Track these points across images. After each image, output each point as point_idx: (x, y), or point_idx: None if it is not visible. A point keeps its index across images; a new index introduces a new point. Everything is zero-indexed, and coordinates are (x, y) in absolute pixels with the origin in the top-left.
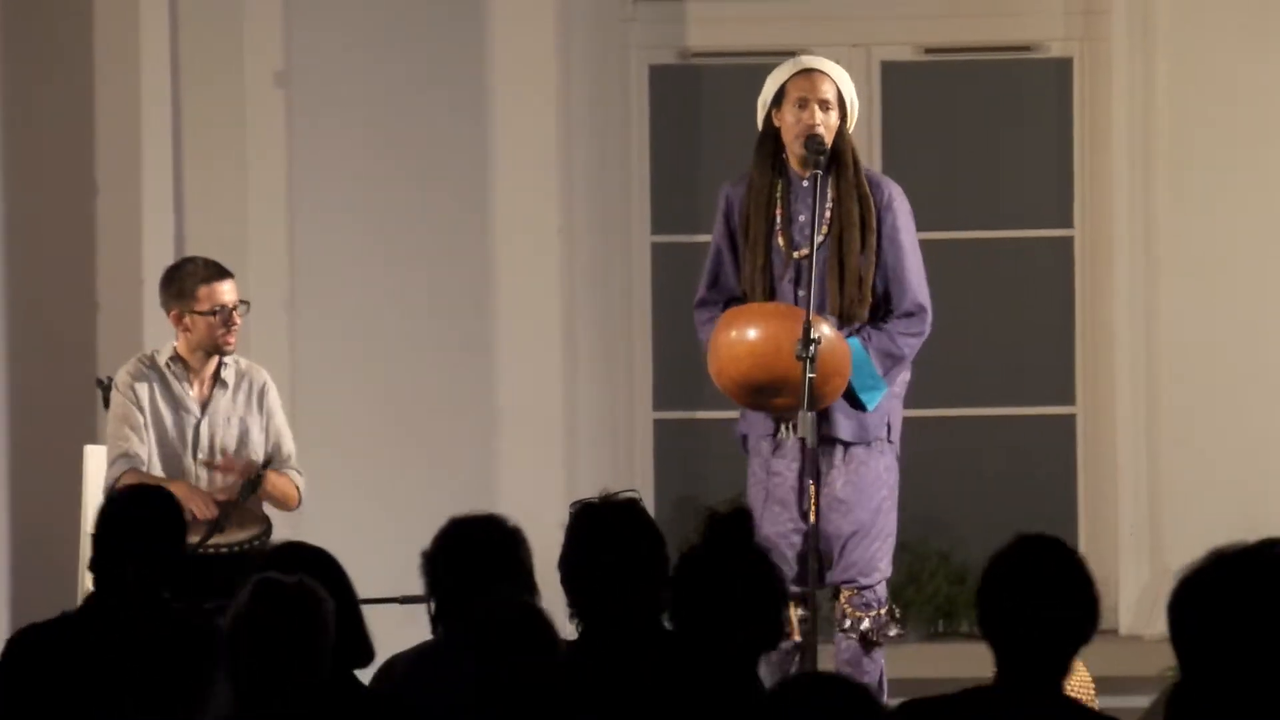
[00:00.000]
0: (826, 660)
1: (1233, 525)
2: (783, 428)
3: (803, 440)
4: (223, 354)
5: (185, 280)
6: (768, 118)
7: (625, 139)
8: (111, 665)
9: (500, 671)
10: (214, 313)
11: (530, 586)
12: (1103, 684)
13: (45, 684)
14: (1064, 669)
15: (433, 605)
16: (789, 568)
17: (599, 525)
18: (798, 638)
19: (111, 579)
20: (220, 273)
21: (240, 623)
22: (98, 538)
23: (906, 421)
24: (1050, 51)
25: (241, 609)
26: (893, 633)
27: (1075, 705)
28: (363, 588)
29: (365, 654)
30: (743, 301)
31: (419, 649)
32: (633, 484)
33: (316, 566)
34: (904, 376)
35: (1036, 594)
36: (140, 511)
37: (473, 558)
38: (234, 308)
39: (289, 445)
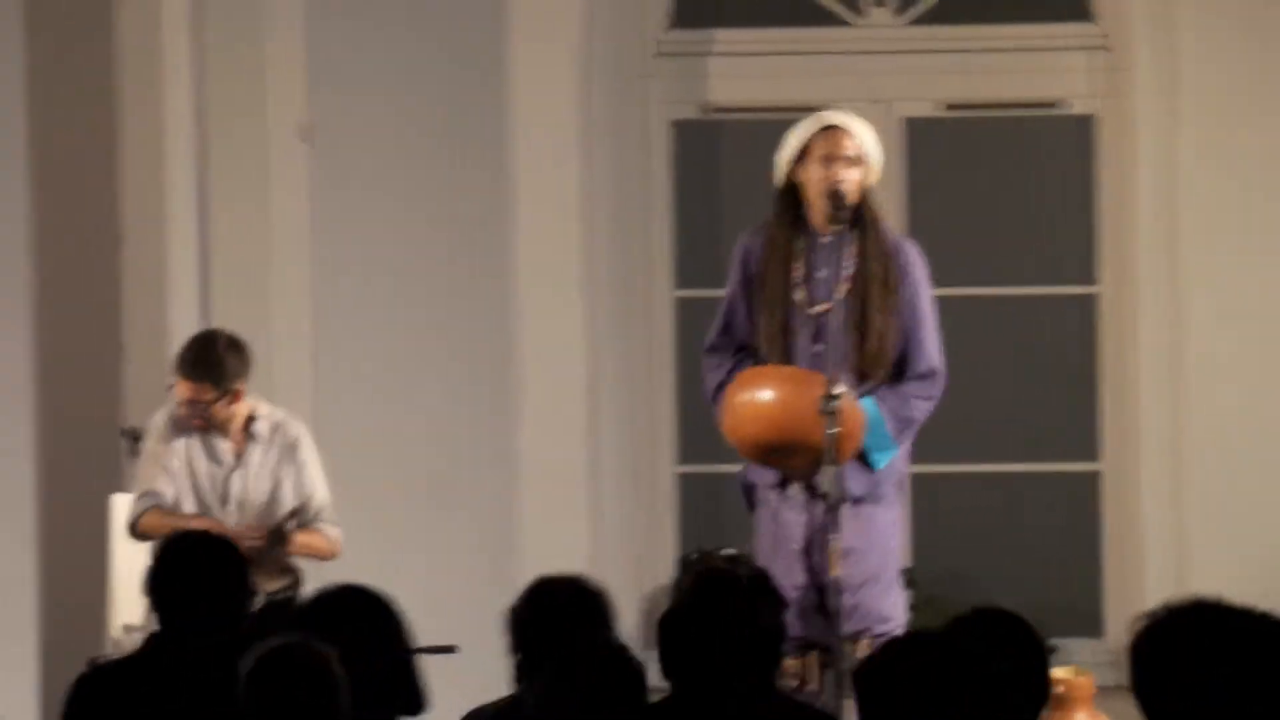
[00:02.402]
0: (849, 713)
1: (1259, 581)
2: (790, 484)
3: (824, 496)
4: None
5: (175, 360)
6: (789, 172)
7: (647, 193)
8: (178, 708)
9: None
10: (181, 403)
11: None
12: None
13: None
14: None
15: (518, 661)
16: (802, 620)
17: (725, 589)
18: (813, 685)
19: (176, 621)
20: (192, 372)
21: (249, 691)
22: (157, 579)
23: (933, 476)
24: (1073, 108)
25: (248, 679)
26: None
27: None
28: None
29: (416, 704)
30: (753, 351)
31: (500, 704)
32: (655, 538)
33: (370, 611)
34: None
35: (991, 667)
36: (205, 553)
37: (562, 616)
38: (199, 406)
39: (321, 498)
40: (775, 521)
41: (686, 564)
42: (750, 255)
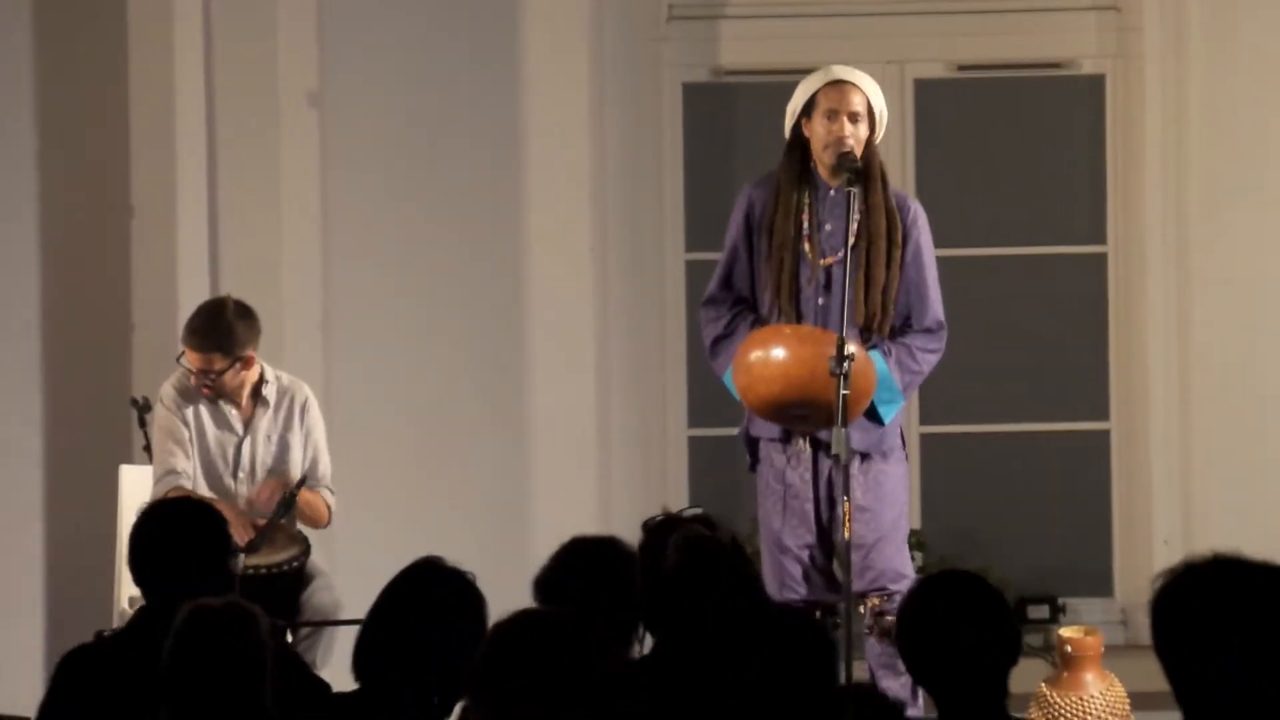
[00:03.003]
0: (859, 669)
1: (1268, 538)
2: (795, 439)
3: (836, 456)
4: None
5: (183, 330)
6: (797, 125)
7: (658, 157)
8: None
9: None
10: (191, 371)
11: (636, 608)
12: (1138, 699)
13: (96, 704)
14: (1001, 692)
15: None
16: (807, 581)
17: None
18: None
19: (158, 593)
20: (202, 342)
21: (171, 655)
22: (136, 552)
23: (943, 436)
24: (1083, 69)
25: (172, 640)
26: None
27: None
28: None
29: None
30: (751, 304)
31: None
32: (666, 501)
33: (454, 590)
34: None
35: (955, 631)
36: (179, 524)
37: (592, 578)
38: (209, 375)
39: (325, 463)
40: (781, 480)
41: (649, 527)
42: (754, 207)
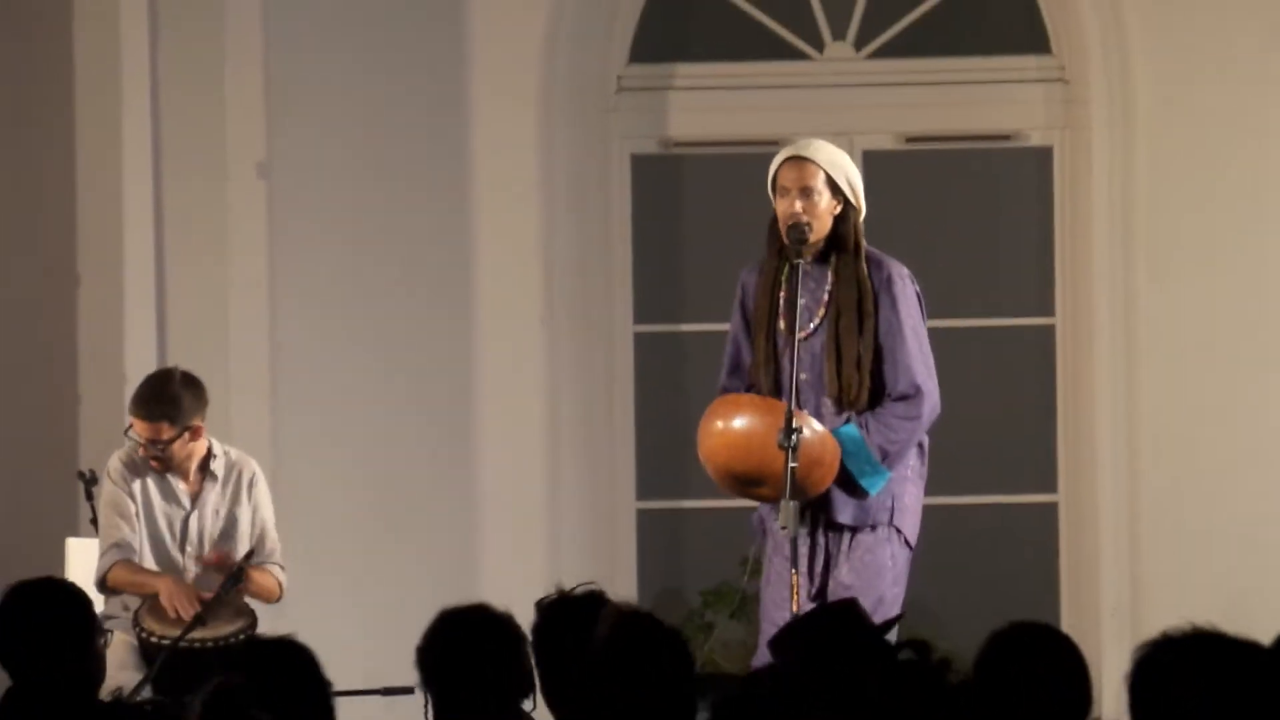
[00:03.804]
0: None
1: (1215, 610)
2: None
3: (783, 529)
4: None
5: (130, 400)
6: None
7: (607, 228)
8: None
9: None
10: (139, 443)
11: (528, 670)
12: None
13: None
14: None
15: (429, 700)
16: None
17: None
18: None
19: (21, 674)
20: (149, 411)
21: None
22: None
23: None
24: (1031, 140)
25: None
26: None
27: None
28: (344, 678)
29: None
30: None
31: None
32: (615, 574)
33: (287, 661)
34: (914, 463)
35: (1031, 682)
36: (43, 604)
37: (468, 648)
38: (157, 445)
39: (273, 539)
40: (775, 554)
41: (541, 606)
42: (746, 291)
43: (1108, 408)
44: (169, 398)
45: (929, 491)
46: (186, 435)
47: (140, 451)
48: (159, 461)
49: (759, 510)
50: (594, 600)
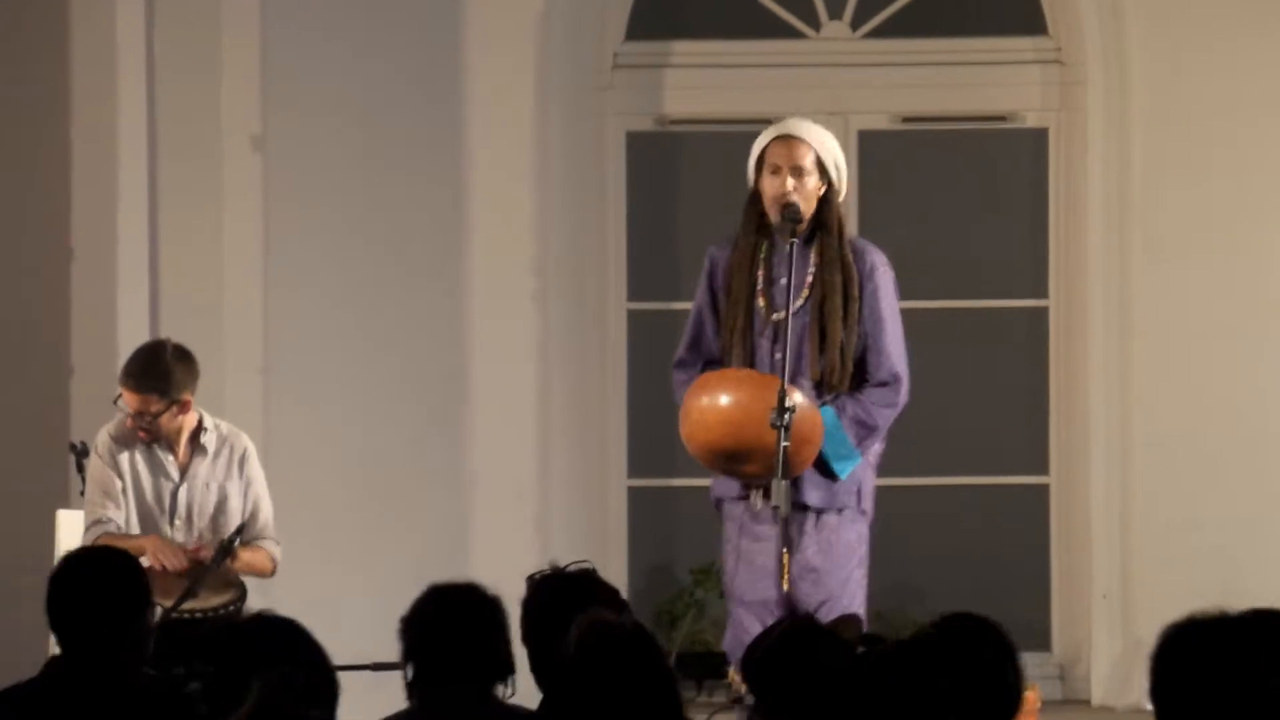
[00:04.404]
0: None
1: (1206, 595)
2: (752, 493)
3: (776, 509)
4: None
5: (121, 371)
6: (757, 180)
7: (602, 206)
8: None
9: None
10: (128, 414)
11: (508, 655)
12: None
13: None
14: None
15: (410, 672)
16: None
17: (560, 597)
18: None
19: (74, 645)
20: (139, 383)
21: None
22: (54, 601)
23: (882, 489)
24: (1026, 122)
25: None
26: None
27: None
28: (334, 654)
29: None
30: (720, 364)
31: (395, 718)
32: (606, 552)
33: (287, 638)
34: (877, 447)
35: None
36: (97, 574)
37: (452, 625)
38: (146, 417)
39: (266, 514)
40: (741, 535)
41: (533, 581)
42: (716, 267)
43: (1100, 390)
44: (160, 371)
45: (919, 472)
46: (176, 408)
47: (128, 422)
48: (146, 432)
49: (714, 489)
50: (586, 578)
